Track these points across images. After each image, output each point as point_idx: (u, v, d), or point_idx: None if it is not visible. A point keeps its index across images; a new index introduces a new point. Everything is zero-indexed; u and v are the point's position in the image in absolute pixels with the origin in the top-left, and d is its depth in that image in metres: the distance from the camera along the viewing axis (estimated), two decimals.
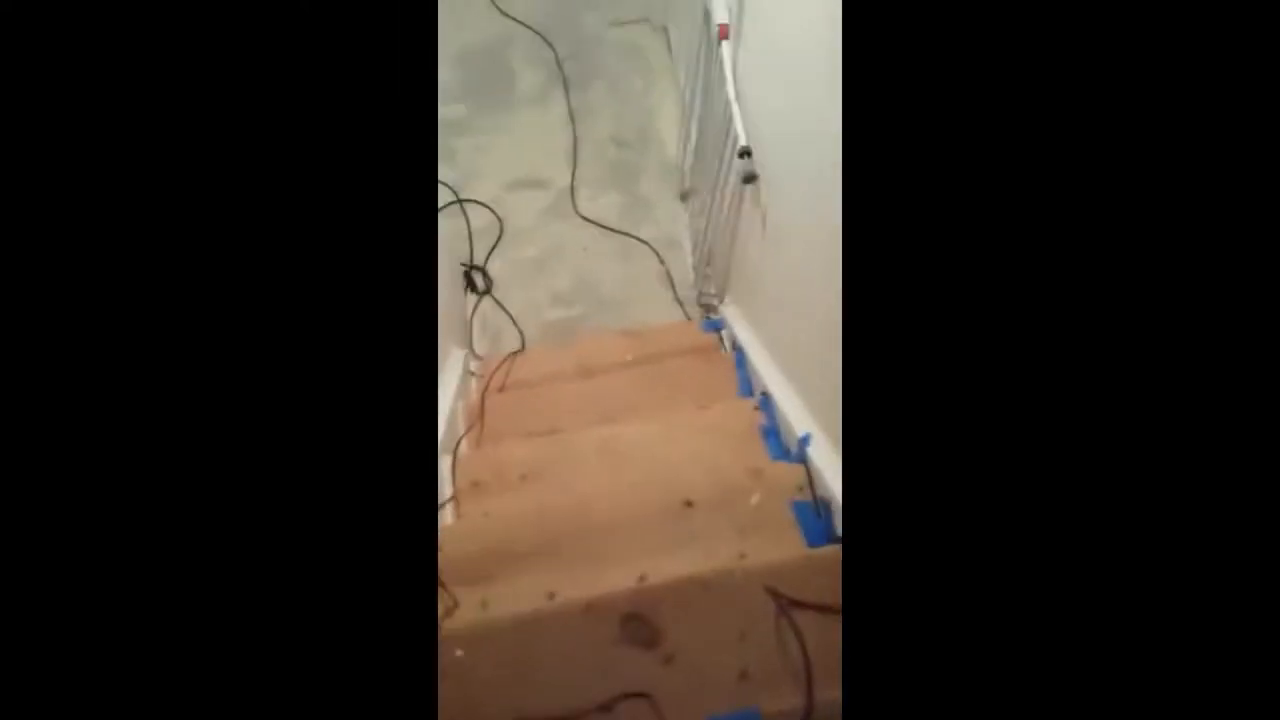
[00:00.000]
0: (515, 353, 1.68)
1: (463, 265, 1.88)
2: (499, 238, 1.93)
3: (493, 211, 1.95)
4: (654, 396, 1.48)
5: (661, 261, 1.92)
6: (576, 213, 1.97)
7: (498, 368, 1.59)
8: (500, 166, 2.01)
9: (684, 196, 1.99)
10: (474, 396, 1.51)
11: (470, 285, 1.88)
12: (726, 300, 1.68)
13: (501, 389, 1.56)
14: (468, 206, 1.94)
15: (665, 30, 2.13)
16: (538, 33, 2.11)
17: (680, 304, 1.87)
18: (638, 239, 1.94)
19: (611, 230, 1.95)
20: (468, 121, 2.04)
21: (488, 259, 1.91)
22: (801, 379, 1.16)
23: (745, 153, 1.12)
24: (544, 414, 1.45)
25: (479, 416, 1.43)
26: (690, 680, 0.79)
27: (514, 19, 2.12)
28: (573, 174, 2.01)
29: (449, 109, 2.04)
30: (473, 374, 1.65)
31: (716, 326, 1.70)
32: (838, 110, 0.74)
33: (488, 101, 2.07)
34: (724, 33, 1.19)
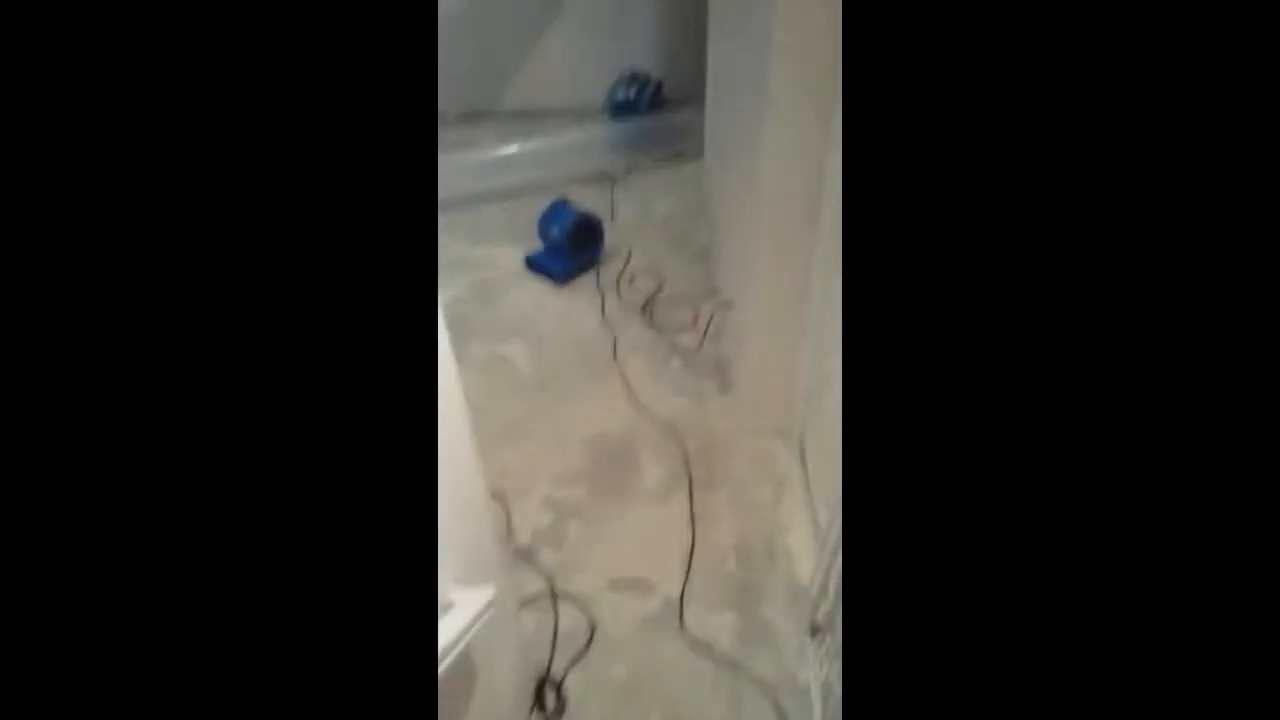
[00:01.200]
0: None
1: (535, 679, 1.55)
2: (587, 645, 1.63)
3: (586, 614, 1.69)
4: None
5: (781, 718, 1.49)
6: (682, 629, 1.66)
7: None
8: (607, 560, 1.83)
9: (814, 630, 1.65)
10: None
11: (538, 704, 1.52)
12: None
13: None
14: (559, 602, 1.70)
15: (801, 446, 2.08)
16: (669, 432, 2.12)
17: None
18: (753, 678, 1.56)
19: (723, 662, 1.59)
20: (584, 504, 1.95)
21: (567, 673, 1.58)
22: None
23: None
24: None
25: None
26: None
27: (649, 417, 2.17)
28: (684, 583, 1.76)
29: (569, 491, 1.97)
30: None
31: None
32: None
33: (608, 487, 2.00)
34: None
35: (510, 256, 2.99)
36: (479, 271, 2.93)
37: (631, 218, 3.25)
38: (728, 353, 2.35)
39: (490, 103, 4.48)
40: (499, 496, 1.91)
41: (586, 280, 2.81)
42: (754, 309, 1.97)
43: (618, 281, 2.78)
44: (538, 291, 2.78)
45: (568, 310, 2.67)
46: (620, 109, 3.88)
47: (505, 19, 4.12)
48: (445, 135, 4.54)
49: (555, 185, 3.54)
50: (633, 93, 3.84)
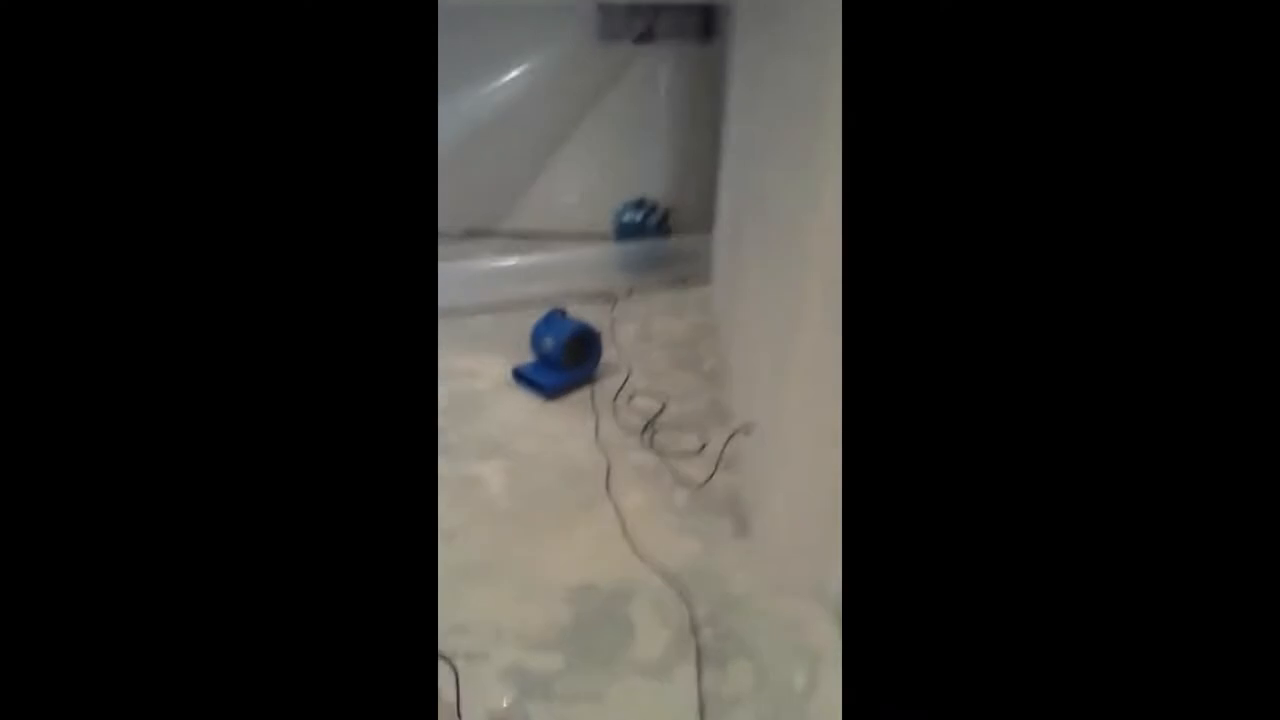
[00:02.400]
0: None
1: None
2: None
3: None
4: None
5: None
6: None
7: None
8: None
9: None
10: None
11: None
12: None
13: None
14: None
15: (842, 611, 1.65)
16: (673, 585, 1.70)
17: None
18: None
19: None
20: (558, 677, 1.48)
21: None
22: None
23: None
24: None
25: None
26: None
27: (649, 564, 1.75)
28: None
29: (541, 658, 1.51)
30: None
31: None
32: None
33: (591, 655, 1.54)
34: None
35: (497, 367, 2.69)
36: (459, 381, 2.61)
37: (633, 336, 3.00)
38: (746, 486, 1.98)
39: (494, 221, 4.41)
40: (447, 659, 1.45)
41: (580, 398, 2.49)
42: (784, 435, 1.63)
43: (614, 400, 2.46)
44: (524, 407, 2.45)
45: (556, 430, 2.32)
46: (626, 231, 3.78)
47: (513, 140, 4.15)
48: (445, 249, 4.45)
49: (554, 301, 3.34)
50: (640, 216, 3.76)
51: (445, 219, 4.50)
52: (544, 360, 2.56)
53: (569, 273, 3.44)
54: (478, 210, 4.38)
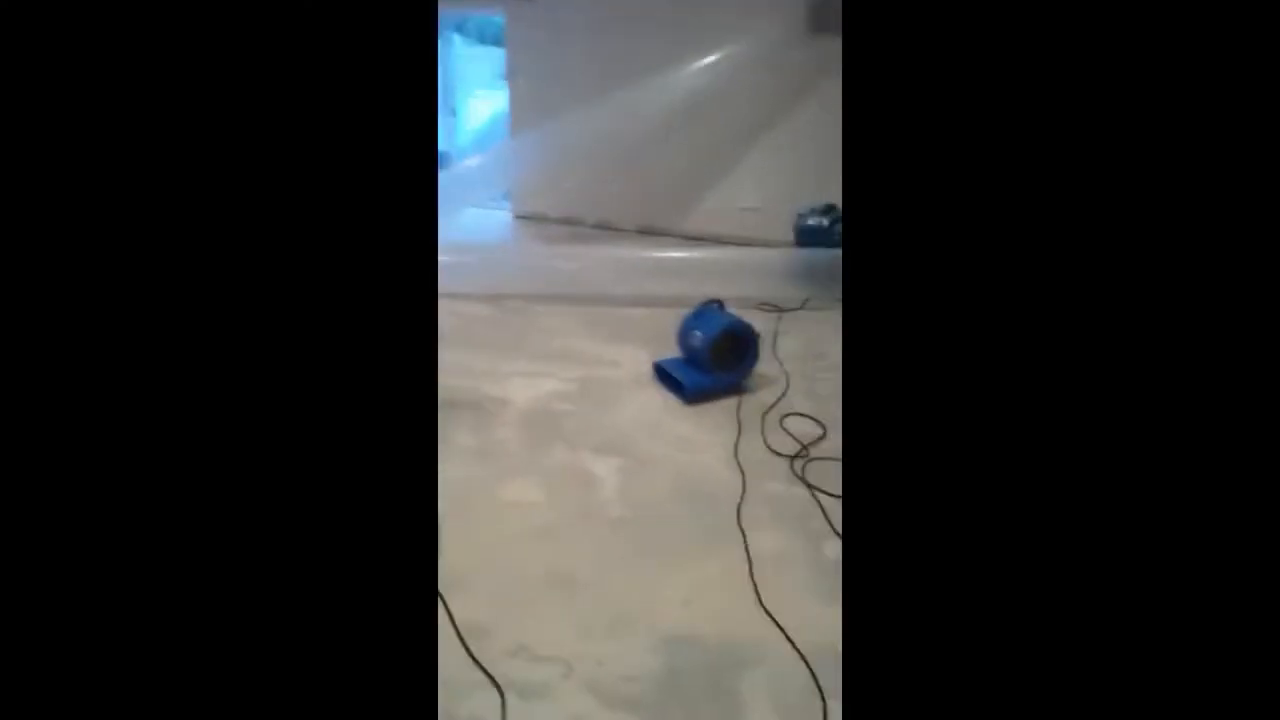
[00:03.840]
0: None
1: None
2: None
3: None
4: None
5: None
6: None
7: None
8: None
9: None
10: None
11: None
12: None
13: None
14: None
15: None
16: (805, 662, 1.25)
17: None
18: None
19: None
20: None
21: None
22: None
23: None
24: None
25: None
26: None
27: (777, 626, 1.32)
28: None
29: (612, 717, 1.15)
30: None
31: None
32: None
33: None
34: None
35: (637, 360, 2.40)
36: (594, 369, 2.36)
37: (798, 351, 2.56)
38: None
39: (669, 221, 4.20)
40: (496, 684, 1.14)
41: (724, 406, 2.12)
42: None
43: (764, 416, 2.05)
44: (658, 406, 2.12)
45: (690, 437, 1.96)
46: (807, 236, 3.35)
47: (701, 133, 3.90)
48: (612, 243, 4.37)
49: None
50: (825, 221, 3.31)
51: (618, 214, 4.41)
52: (690, 357, 2.22)
53: (736, 273, 3.09)
54: (654, 207, 4.20)
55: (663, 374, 2.24)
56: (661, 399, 2.16)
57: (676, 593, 1.37)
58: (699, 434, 1.97)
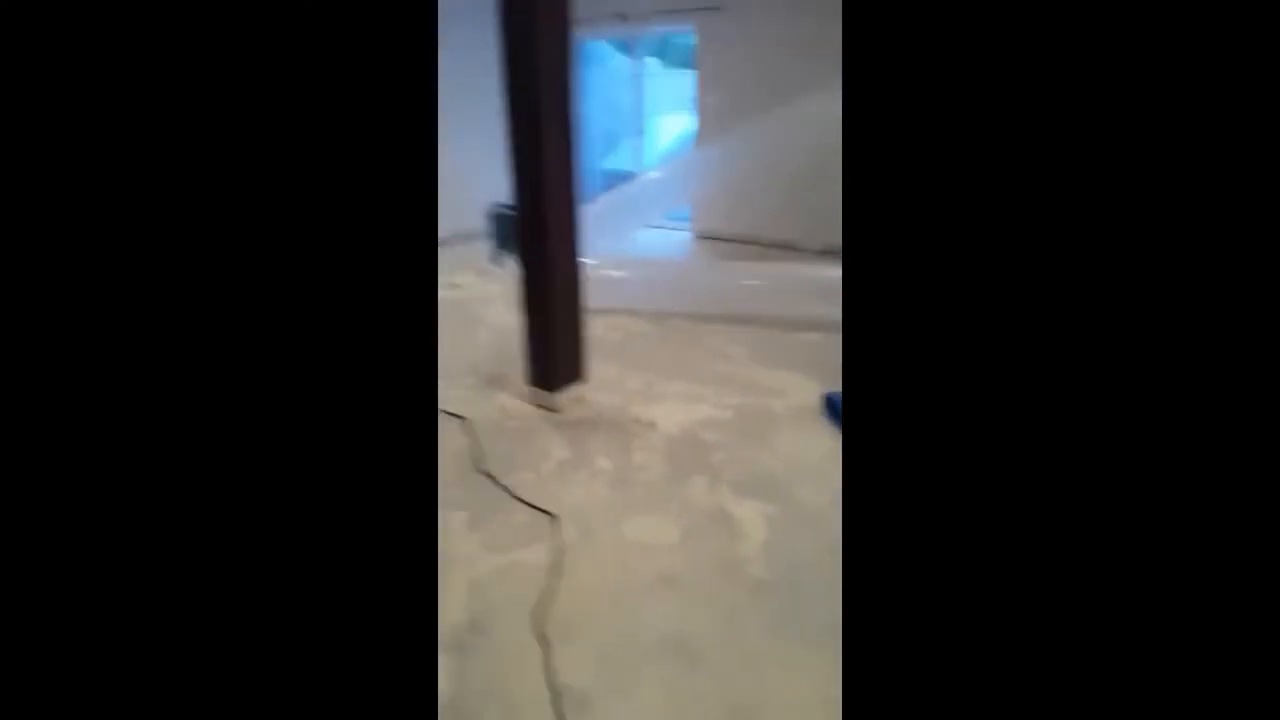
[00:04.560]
0: None
1: None
2: None
3: None
4: None
5: None
6: None
7: None
8: None
9: None
10: None
11: None
12: None
13: None
14: None
15: None
16: None
17: None
18: None
19: None
20: None
21: None
22: None
23: None
24: None
25: None
26: None
27: None
28: None
29: None
30: None
31: None
32: None
33: None
34: None
35: (805, 391, 2.11)
36: (755, 396, 2.11)
37: None
38: None
39: None
40: None
41: None
42: None
43: None
44: (823, 448, 1.82)
45: None
46: None
47: None
48: (793, 259, 4.06)
49: None
50: None
51: (798, 233, 4.10)
52: None
53: None
54: (838, 226, 3.84)
55: (834, 409, 1.93)
56: (829, 438, 1.85)
57: (818, 688, 1.08)
58: None
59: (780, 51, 3.83)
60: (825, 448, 1.81)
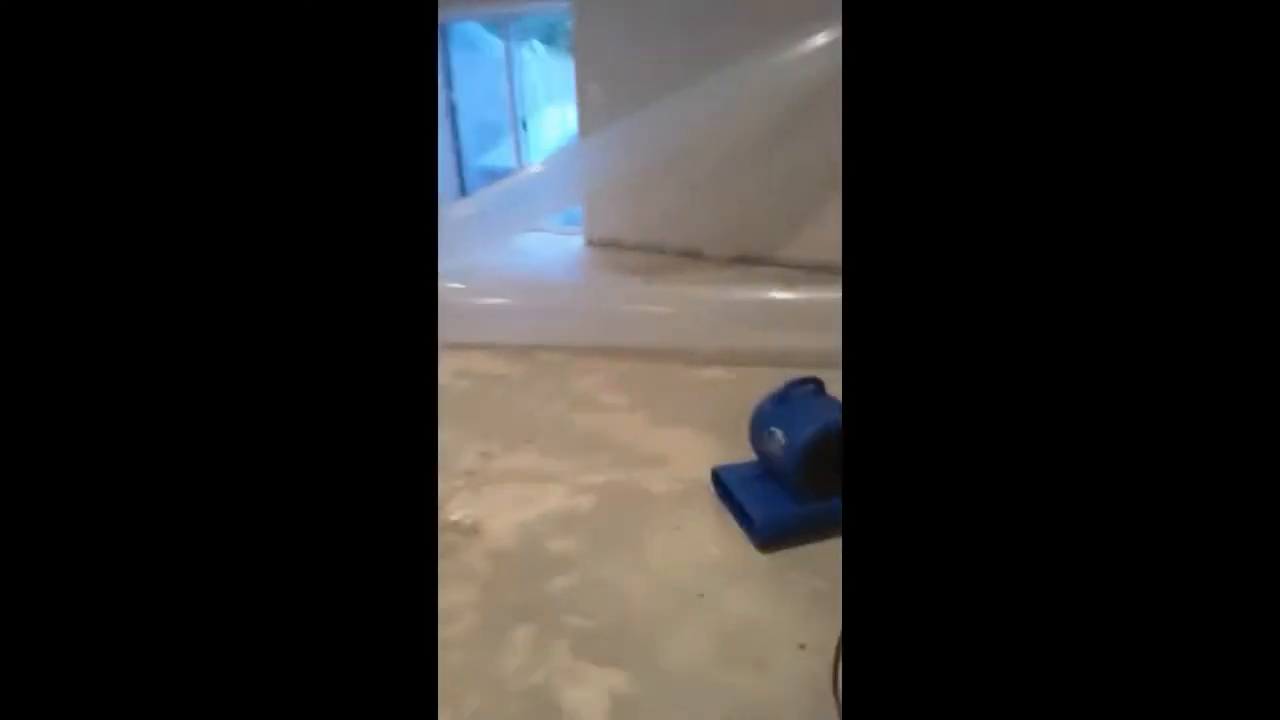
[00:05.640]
0: None
1: None
2: None
3: None
4: None
5: None
6: None
7: None
8: None
9: None
10: None
11: None
12: None
13: None
14: None
15: None
16: None
17: None
18: None
19: None
20: None
21: None
22: None
23: None
24: None
25: None
26: None
27: None
28: None
29: None
30: None
31: None
32: None
33: None
34: None
35: (693, 456, 1.61)
36: (626, 469, 1.59)
37: None
38: None
39: (771, 247, 3.37)
40: None
41: (821, 559, 1.27)
42: None
43: None
44: (711, 551, 1.32)
45: (756, 624, 1.14)
46: None
47: (807, 133, 3.04)
48: (699, 276, 3.59)
49: (823, 363, 2.17)
50: None
51: (706, 239, 3.57)
52: (768, 469, 1.40)
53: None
54: (753, 230, 3.39)
55: (726, 490, 1.43)
56: (718, 537, 1.36)
57: None
58: (772, 620, 1.14)
59: (672, 30, 3.32)
60: (712, 555, 1.31)
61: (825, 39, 2.65)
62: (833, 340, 2.02)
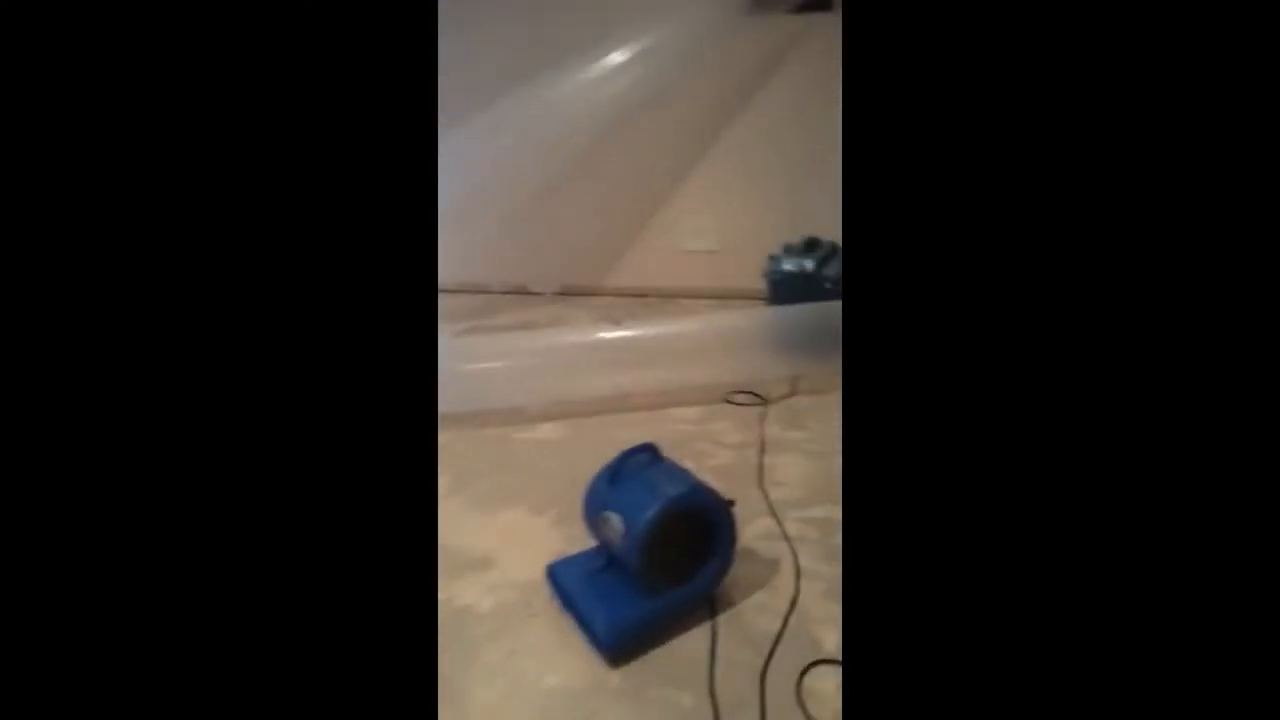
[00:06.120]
0: None
1: None
2: None
3: None
4: None
5: None
6: None
7: None
8: None
9: None
10: None
11: None
12: None
13: None
14: None
15: None
16: None
17: None
18: None
19: None
20: None
21: None
22: None
23: None
24: None
25: None
26: None
27: None
28: None
29: None
30: None
31: None
32: None
33: None
34: None
35: (531, 548, 1.34)
36: (446, 584, 1.28)
37: (798, 486, 1.53)
38: None
39: (597, 276, 3.21)
40: None
41: (680, 659, 1.06)
42: None
43: (763, 681, 1.00)
44: (556, 668, 1.06)
45: None
46: (784, 285, 2.35)
47: (623, 154, 2.92)
48: (525, 309, 3.33)
49: (662, 403, 2.00)
50: (808, 264, 2.33)
51: (530, 274, 3.27)
52: (610, 562, 1.18)
53: (694, 353, 2.06)
54: (576, 260, 3.20)
55: (563, 592, 1.19)
56: (560, 658, 1.10)
57: None
58: None
59: (462, 35, 3.06)
60: (550, 688, 1.05)
61: (625, 55, 2.52)
62: (671, 375, 1.82)
